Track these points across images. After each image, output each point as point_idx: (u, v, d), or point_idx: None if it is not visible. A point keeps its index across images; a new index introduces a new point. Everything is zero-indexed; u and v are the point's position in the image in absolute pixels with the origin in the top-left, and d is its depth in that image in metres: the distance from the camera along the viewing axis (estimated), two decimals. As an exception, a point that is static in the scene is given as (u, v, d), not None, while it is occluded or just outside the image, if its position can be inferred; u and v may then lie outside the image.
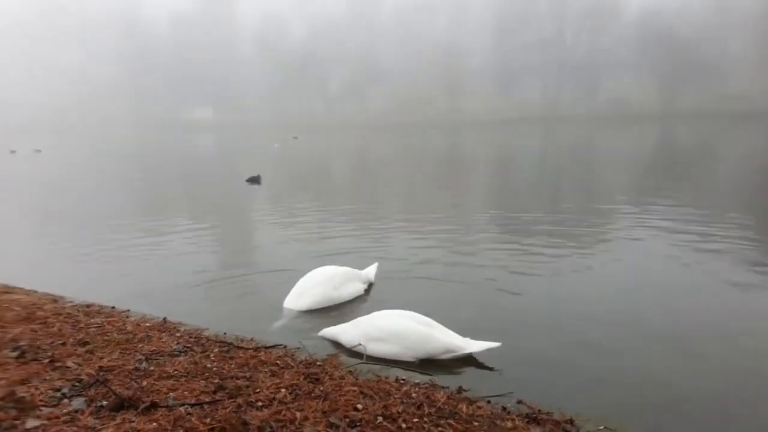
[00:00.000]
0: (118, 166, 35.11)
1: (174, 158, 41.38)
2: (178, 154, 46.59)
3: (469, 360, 5.16)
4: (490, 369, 5.00)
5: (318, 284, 6.74)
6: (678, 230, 10.57)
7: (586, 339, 5.63)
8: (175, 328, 5.10)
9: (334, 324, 5.82)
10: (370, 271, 7.68)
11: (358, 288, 7.22)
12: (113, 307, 5.66)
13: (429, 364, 5.12)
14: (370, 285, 7.48)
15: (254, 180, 20.14)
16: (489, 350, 5.07)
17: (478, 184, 21.32)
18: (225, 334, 5.01)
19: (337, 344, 5.52)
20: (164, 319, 5.35)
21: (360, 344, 5.20)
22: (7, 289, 6.14)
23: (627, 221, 11.74)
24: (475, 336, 5.32)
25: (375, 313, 5.66)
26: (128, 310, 5.59)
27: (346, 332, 5.57)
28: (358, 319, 5.63)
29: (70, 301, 5.82)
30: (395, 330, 5.29)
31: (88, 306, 5.68)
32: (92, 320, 5.16)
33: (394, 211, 14.39)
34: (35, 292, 6.18)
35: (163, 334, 4.91)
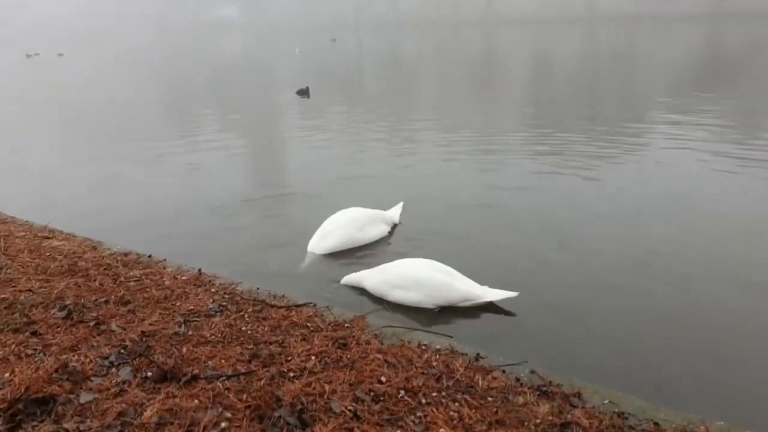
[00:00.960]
0: (148, 73, 34.93)
1: (208, 64, 40.84)
2: (212, 59, 45.86)
3: (488, 310, 5.44)
4: (509, 316, 5.33)
5: (341, 226, 6.89)
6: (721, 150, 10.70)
7: (610, 287, 5.82)
8: (210, 282, 5.32)
9: (357, 269, 6.07)
10: (395, 212, 7.77)
11: (383, 230, 7.34)
12: (150, 256, 5.90)
13: (450, 315, 5.41)
14: (395, 226, 7.60)
15: (303, 92, 20.59)
16: (507, 299, 5.37)
17: (516, 94, 20.81)
18: (258, 289, 5.22)
19: (360, 290, 5.84)
20: (199, 270, 5.57)
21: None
22: (49, 234, 6.42)
23: (668, 141, 11.72)
24: (495, 284, 5.57)
25: (397, 261, 5.86)
26: (164, 260, 5.82)
27: (369, 278, 5.80)
28: (381, 266, 5.85)
29: (108, 249, 6.07)
30: (416, 278, 5.53)
31: (125, 254, 5.93)
32: (131, 273, 5.41)
33: (430, 128, 14.39)
34: (74, 236, 6.45)
35: (199, 289, 5.14)
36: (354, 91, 23.26)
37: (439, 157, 11.55)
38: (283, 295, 5.13)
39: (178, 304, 4.76)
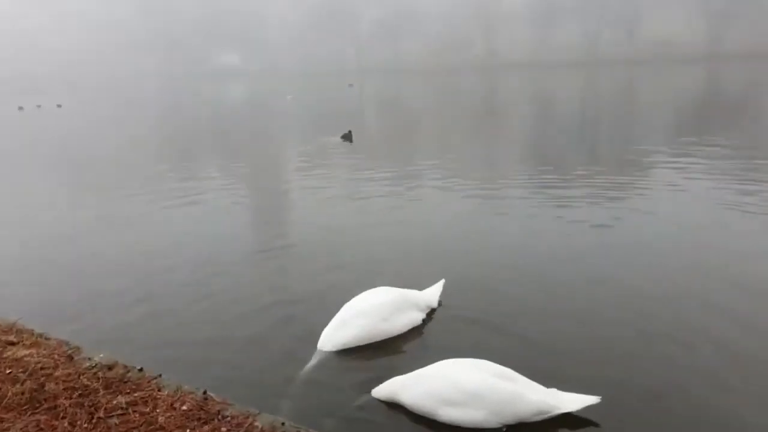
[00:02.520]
0: (150, 123, 34.14)
1: (230, 111, 39.94)
2: (232, 107, 45.12)
3: (564, 422, 4.30)
4: (593, 428, 4.19)
5: (362, 314, 5.50)
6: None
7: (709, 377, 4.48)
8: (219, 414, 3.95)
9: (386, 371, 4.78)
10: (433, 293, 6.33)
11: (415, 318, 5.89)
12: (141, 370, 4.54)
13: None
14: (432, 311, 6.18)
15: (347, 137, 20.69)
16: (588, 407, 4.28)
17: (538, 141, 19.73)
18: (284, 425, 3.85)
19: (396, 406, 4.53)
20: (204, 394, 4.21)
21: None
22: (15, 337, 5.07)
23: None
24: (565, 385, 4.49)
25: (440, 365, 4.56)
26: (159, 376, 4.46)
27: (408, 390, 4.47)
28: (422, 371, 4.57)
29: (88, 359, 4.70)
30: (474, 389, 4.30)
31: (110, 367, 4.56)
32: (115, 401, 4.04)
33: (473, 182, 13.00)
34: (47, 339, 5.09)
35: (206, 427, 3.78)
36: (389, 138, 22.33)
37: (486, 215, 10.25)
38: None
39: (175, 459, 3.39)
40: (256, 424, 3.84)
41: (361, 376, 4.95)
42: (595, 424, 4.27)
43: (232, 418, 3.91)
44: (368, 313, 5.52)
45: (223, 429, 3.77)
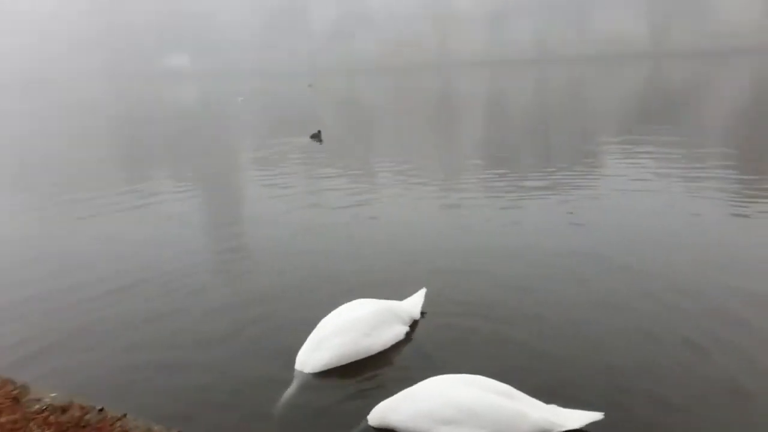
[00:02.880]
0: (99, 124, 32.60)
1: (183, 114, 38.37)
2: (183, 108, 43.46)
3: None
4: None
5: (341, 331, 5.01)
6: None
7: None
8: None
9: (374, 392, 4.46)
10: (415, 303, 5.86)
11: (399, 332, 5.42)
12: (101, 410, 3.92)
13: None
14: (415, 322, 5.71)
15: (316, 137, 20.37)
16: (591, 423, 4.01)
17: (510, 141, 19.56)
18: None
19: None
20: (179, 436, 3.63)
21: None
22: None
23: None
24: (564, 401, 4.21)
25: (433, 381, 4.18)
26: (124, 416, 3.85)
27: (398, 411, 4.07)
28: (412, 390, 4.18)
29: (37, 401, 4.05)
30: (471, 407, 3.96)
31: (64, 409, 3.93)
32: (70, 453, 3.43)
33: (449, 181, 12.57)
34: (-10, 377, 4.39)
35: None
36: (359, 137, 21.70)
37: (478, 217, 9.70)
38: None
39: None
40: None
41: (349, 400, 4.50)
42: None
43: (214, 466, 3.36)
44: (348, 329, 5.03)
45: None
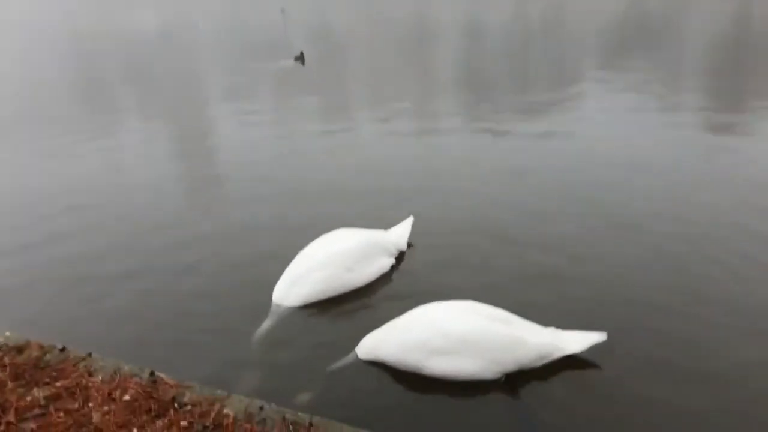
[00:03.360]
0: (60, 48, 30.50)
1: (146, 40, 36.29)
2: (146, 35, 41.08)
3: (568, 366, 3.76)
4: (600, 372, 3.75)
5: (323, 265, 4.61)
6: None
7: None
8: (174, 400, 3.02)
9: (358, 327, 4.08)
10: (401, 233, 5.42)
11: (384, 264, 5.02)
12: (63, 349, 3.49)
13: (524, 386, 3.62)
14: (401, 254, 5.32)
15: (299, 59, 19.65)
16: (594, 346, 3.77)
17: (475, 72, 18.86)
18: (262, 409, 2.98)
19: (379, 365, 3.82)
20: (152, 375, 3.25)
21: None
22: None
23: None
24: (562, 322, 3.95)
25: (424, 309, 3.90)
26: (89, 356, 3.44)
27: (389, 343, 3.79)
28: (401, 320, 3.92)
29: (-8, 340, 3.61)
30: (466, 335, 3.67)
31: (20, 349, 3.48)
32: (29, 396, 3.03)
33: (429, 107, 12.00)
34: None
35: (158, 422, 2.86)
36: (342, 59, 20.69)
37: (460, 139, 9.25)
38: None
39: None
40: (225, 411, 2.96)
41: (331, 334, 4.20)
42: (598, 366, 3.75)
43: (193, 405, 3.01)
44: (330, 263, 4.62)
45: (183, 423, 2.87)
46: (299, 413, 2.97)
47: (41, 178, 7.91)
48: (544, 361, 3.71)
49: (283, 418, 2.91)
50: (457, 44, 22.73)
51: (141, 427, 2.82)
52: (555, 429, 3.27)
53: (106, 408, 2.95)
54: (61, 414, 2.90)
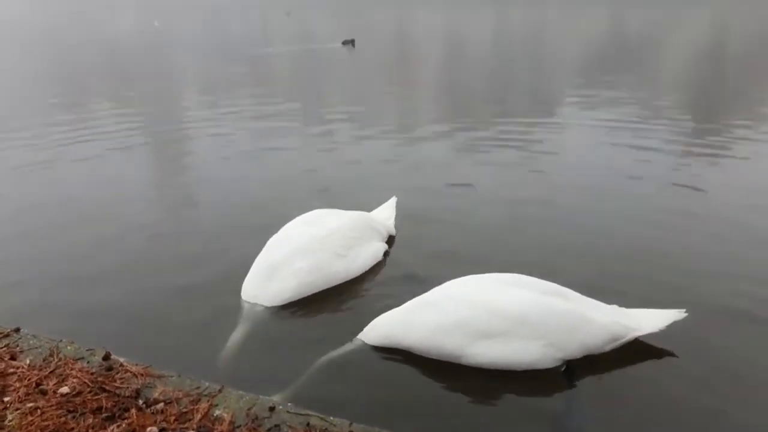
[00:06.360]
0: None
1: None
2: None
3: (637, 352, 2.85)
4: (675, 360, 2.82)
5: (307, 251, 3.53)
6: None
7: None
8: (137, 394, 1.99)
9: (360, 328, 2.98)
10: (388, 215, 4.40)
11: (377, 250, 3.94)
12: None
13: (586, 378, 2.70)
14: (391, 239, 4.24)
15: (349, 42, 20.81)
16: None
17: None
18: (273, 410, 1.97)
19: (395, 354, 2.84)
20: (106, 359, 2.21)
21: None
22: None
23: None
24: (619, 299, 3.05)
25: (458, 285, 3.00)
26: (17, 330, 2.38)
27: (416, 326, 2.86)
28: (433, 296, 2.96)
29: None
30: (523, 313, 2.77)
31: None
32: None
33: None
34: None
35: (111, 426, 1.82)
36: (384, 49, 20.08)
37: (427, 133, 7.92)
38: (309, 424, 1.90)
39: None
40: (217, 413, 1.93)
41: (327, 339, 2.93)
42: (672, 354, 2.83)
43: (167, 403, 1.97)
44: (315, 248, 3.55)
45: (152, 429, 1.83)
46: (332, 418, 1.95)
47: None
48: (614, 345, 2.78)
49: (308, 425, 1.89)
50: (438, 59, 21.91)
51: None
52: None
53: (30, 405, 1.89)
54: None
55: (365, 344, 2.85)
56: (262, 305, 3.29)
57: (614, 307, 2.99)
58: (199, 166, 6.34)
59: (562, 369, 2.69)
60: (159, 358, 2.41)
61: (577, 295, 2.98)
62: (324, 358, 2.72)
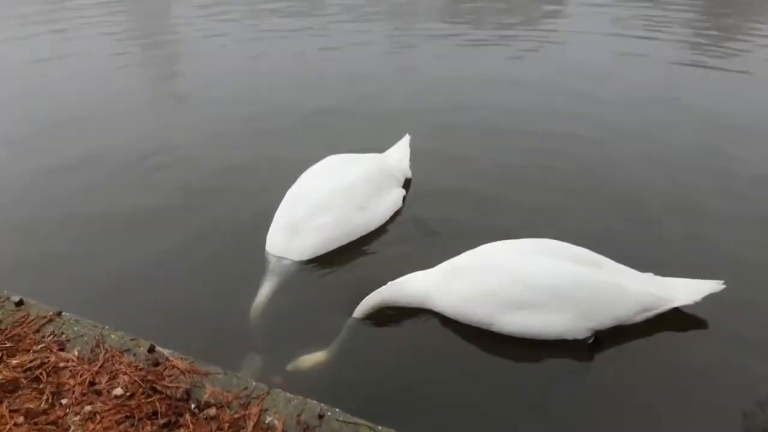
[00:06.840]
0: None
1: None
2: None
3: (672, 323, 2.93)
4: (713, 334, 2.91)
5: (329, 206, 3.52)
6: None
7: None
8: (190, 396, 2.05)
9: (380, 281, 3.01)
10: (402, 156, 4.28)
11: (395, 197, 3.94)
12: (20, 302, 2.43)
13: (615, 348, 2.84)
14: (407, 182, 4.21)
15: None
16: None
17: None
18: (322, 417, 2.04)
19: (423, 315, 3.02)
20: (151, 351, 2.24)
21: None
22: None
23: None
24: (648, 265, 3.07)
25: (488, 251, 3.07)
26: (59, 315, 2.40)
27: (448, 292, 2.97)
28: (460, 262, 3.06)
29: None
30: (557, 285, 2.83)
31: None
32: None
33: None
34: None
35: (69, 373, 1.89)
36: None
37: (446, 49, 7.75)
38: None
39: None
40: (269, 420, 2.00)
41: (355, 293, 3.04)
42: (704, 325, 2.92)
43: (219, 407, 2.03)
44: (337, 203, 3.55)
45: (118, 373, 1.90)
46: (380, 428, 2.02)
47: None
48: (647, 315, 2.87)
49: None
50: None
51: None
52: (662, 410, 2.47)
53: (88, 409, 1.95)
54: (20, 418, 1.89)
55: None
56: (289, 259, 3.35)
57: (649, 275, 3.02)
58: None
59: (590, 340, 2.81)
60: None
61: (612, 263, 3.02)
62: (354, 316, 2.95)
